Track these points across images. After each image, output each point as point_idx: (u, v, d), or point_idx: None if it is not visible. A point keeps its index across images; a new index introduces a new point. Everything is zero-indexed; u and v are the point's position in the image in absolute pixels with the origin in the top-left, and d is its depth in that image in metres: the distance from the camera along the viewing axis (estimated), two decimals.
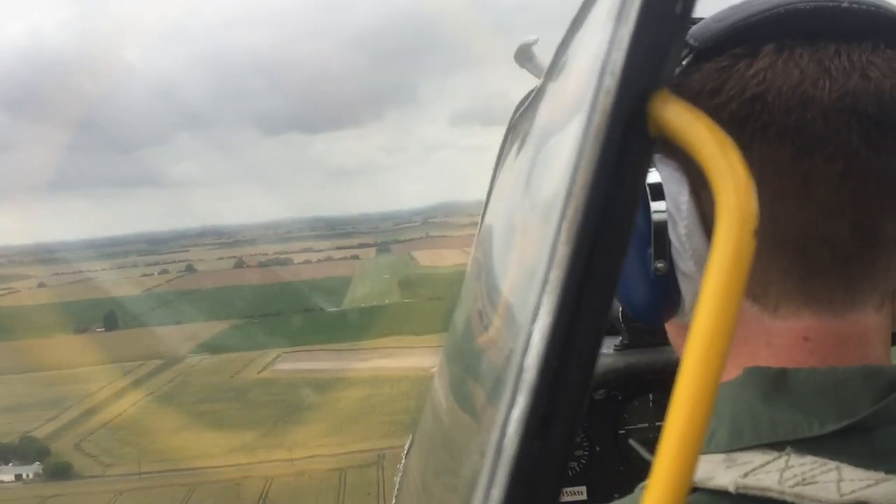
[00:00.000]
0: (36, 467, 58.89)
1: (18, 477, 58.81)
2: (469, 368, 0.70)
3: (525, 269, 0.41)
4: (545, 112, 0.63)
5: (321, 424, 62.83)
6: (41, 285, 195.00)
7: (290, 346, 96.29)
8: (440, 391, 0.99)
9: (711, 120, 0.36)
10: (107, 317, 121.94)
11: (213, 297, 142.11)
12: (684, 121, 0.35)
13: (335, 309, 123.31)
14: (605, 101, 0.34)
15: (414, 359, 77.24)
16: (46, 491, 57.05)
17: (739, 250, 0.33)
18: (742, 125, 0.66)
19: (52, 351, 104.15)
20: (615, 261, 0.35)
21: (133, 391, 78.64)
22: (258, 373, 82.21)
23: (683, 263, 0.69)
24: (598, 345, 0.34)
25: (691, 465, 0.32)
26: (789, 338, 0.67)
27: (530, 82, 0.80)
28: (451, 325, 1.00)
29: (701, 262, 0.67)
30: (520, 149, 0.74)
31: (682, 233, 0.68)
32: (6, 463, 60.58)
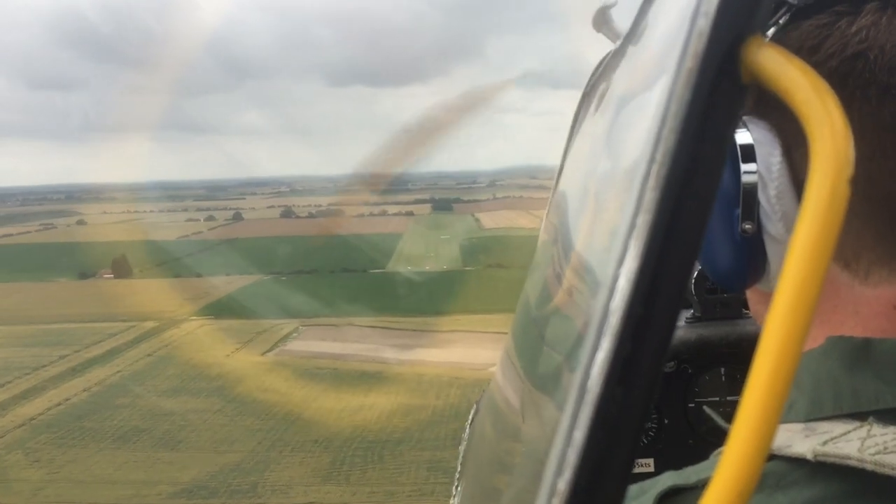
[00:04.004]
0: None
1: None
2: (548, 322, 0.67)
3: (611, 216, 0.39)
4: (627, 73, 0.60)
5: (313, 473, 39.61)
6: (80, 223, 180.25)
7: (316, 313, 73.99)
8: (509, 357, 0.93)
9: (806, 64, 0.34)
10: (116, 262, 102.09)
11: (250, 247, 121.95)
12: (779, 66, 0.34)
13: (379, 270, 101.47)
14: (698, 44, 0.33)
15: (472, 350, 54.21)
16: None
17: (833, 198, 0.31)
18: (842, 83, 0.62)
19: (36, 299, 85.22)
20: (703, 206, 0.34)
21: (90, 369, 56.81)
22: (262, 353, 59.76)
23: (772, 226, 0.65)
24: (683, 292, 0.33)
25: (770, 433, 0.31)
26: (878, 306, 0.64)
27: (604, 46, 0.77)
28: (523, 295, 0.95)
29: (790, 225, 0.64)
30: (599, 110, 0.71)
31: (772, 195, 0.64)
32: None
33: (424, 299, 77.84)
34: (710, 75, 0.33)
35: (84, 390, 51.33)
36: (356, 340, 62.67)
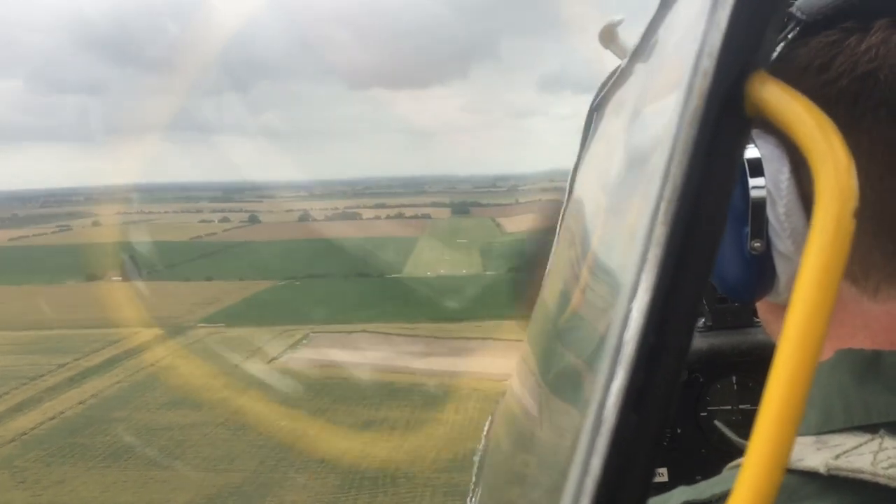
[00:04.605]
0: None
1: None
2: (564, 343, 0.67)
3: (623, 247, 0.40)
4: (636, 93, 0.60)
5: (316, 500, 36.13)
6: (96, 224, 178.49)
7: (328, 320, 70.74)
8: (526, 367, 0.93)
9: (809, 100, 0.35)
10: (126, 263, 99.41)
11: (262, 251, 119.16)
12: (782, 101, 0.34)
13: (394, 275, 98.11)
14: (702, 83, 0.34)
15: (492, 359, 50.67)
16: None
17: (838, 232, 0.32)
18: (852, 103, 0.62)
19: (43, 302, 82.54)
20: (712, 241, 0.34)
21: (88, 380, 53.77)
22: (268, 361, 56.50)
23: (781, 243, 0.66)
24: (694, 322, 0.34)
25: (787, 447, 0.31)
26: (887, 321, 0.64)
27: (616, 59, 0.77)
28: (539, 301, 0.96)
29: (799, 242, 0.64)
30: (608, 129, 0.71)
31: (780, 212, 0.64)
32: None
33: (442, 305, 74.46)
34: (714, 112, 0.34)
35: (79, 402, 48.23)
36: (368, 349, 59.30)
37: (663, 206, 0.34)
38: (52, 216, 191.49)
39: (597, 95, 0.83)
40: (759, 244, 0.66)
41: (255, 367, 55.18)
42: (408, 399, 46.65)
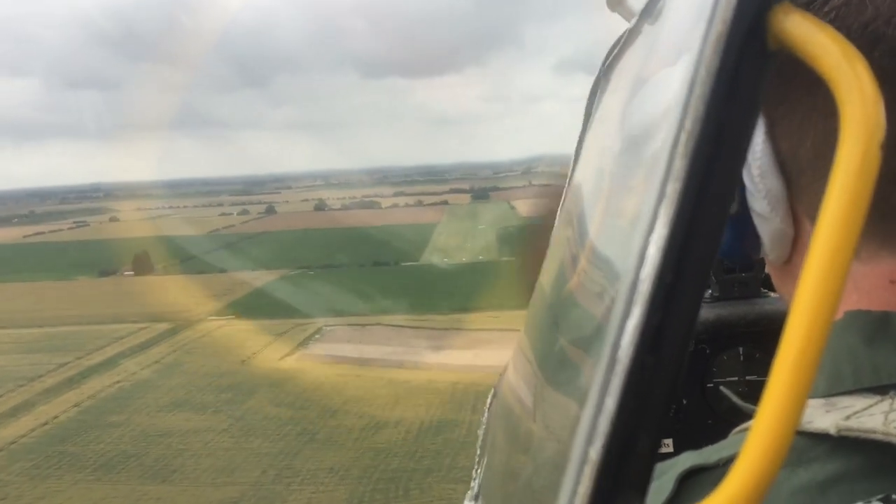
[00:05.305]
0: None
1: None
2: (571, 297, 0.65)
3: (637, 186, 0.38)
4: (648, 49, 0.59)
5: None
6: (113, 219, 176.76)
7: (343, 312, 67.30)
8: (529, 334, 0.92)
9: (835, 30, 0.34)
10: (137, 259, 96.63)
11: (280, 240, 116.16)
12: (806, 32, 0.33)
13: (412, 263, 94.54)
14: (726, 11, 0.33)
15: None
16: None
17: (865, 164, 0.31)
18: (870, 48, 0.59)
19: (52, 299, 79.91)
20: (732, 173, 0.33)
21: (88, 379, 50.64)
22: (280, 359, 53.03)
23: (757, 204, 0.65)
24: (712, 260, 0.33)
25: (800, 406, 0.30)
26: (875, 279, 0.63)
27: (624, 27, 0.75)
28: (542, 275, 0.94)
29: (775, 202, 0.64)
30: (620, 88, 0.70)
31: (755, 174, 0.64)
32: None
33: (459, 294, 70.76)
34: (738, 41, 0.33)
35: (75, 405, 45.05)
36: (384, 342, 55.73)
37: (683, 137, 0.32)
38: (69, 212, 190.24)
39: (606, 59, 0.82)
40: (733, 206, 0.65)
41: (267, 363, 51.78)
42: (423, 397, 42.95)
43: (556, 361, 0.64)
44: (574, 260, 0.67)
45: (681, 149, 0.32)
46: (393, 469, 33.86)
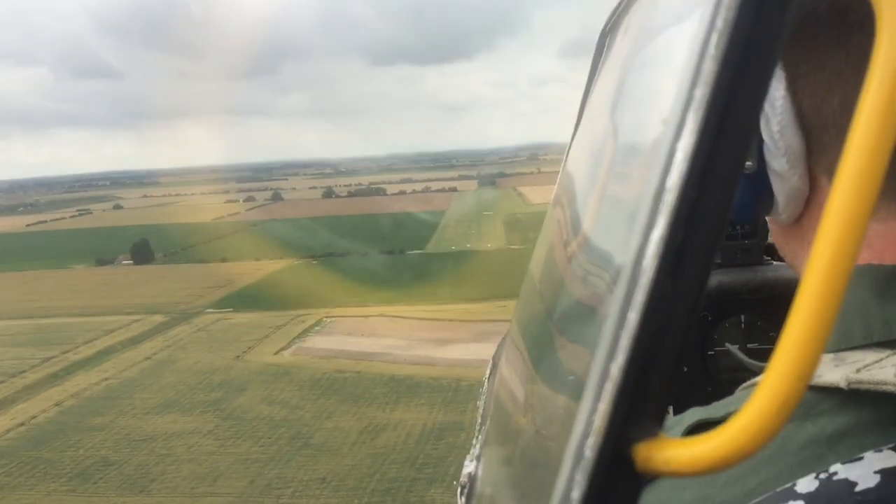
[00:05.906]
0: None
1: None
2: (591, 218, 0.61)
3: (665, 96, 0.35)
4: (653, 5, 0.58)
5: None
6: (116, 207, 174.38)
7: (346, 301, 64.35)
8: (535, 283, 0.87)
9: None
10: (136, 247, 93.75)
11: (284, 228, 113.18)
12: None
13: (418, 251, 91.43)
14: None
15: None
16: None
17: (892, 103, 0.29)
18: None
19: (46, 288, 77.27)
20: (762, 79, 0.31)
21: (73, 375, 47.86)
22: (275, 353, 50.14)
23: (776, 162, 0.64)
24: (739, 175, 0.32)
25: (814, 361, 0.29)
26: (891, 238, 0.62)
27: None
28: (544, 232, 0.91)
29: (794, 159, 0.63)
30: (629, 43, 0.67)
31: (774, 130, 0.63)
32: None
33: (465, 282, 67.71)
34: None
35: (56, 405, 42.22)
36: (385, 336, 52.75)
37: (714, 38, 0.30)
38: (73, 201, 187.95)
39: (610, 18, 0.80)
40: (751, 163, 0.65)
41: (260, 358, 48.86)
42: (425, 396, 39.93)
43: (566, 294, 0.62)
44: (592, 184, 0.64)
45: (711, 50, 0.31)
46: (391, 478, 30.90)
